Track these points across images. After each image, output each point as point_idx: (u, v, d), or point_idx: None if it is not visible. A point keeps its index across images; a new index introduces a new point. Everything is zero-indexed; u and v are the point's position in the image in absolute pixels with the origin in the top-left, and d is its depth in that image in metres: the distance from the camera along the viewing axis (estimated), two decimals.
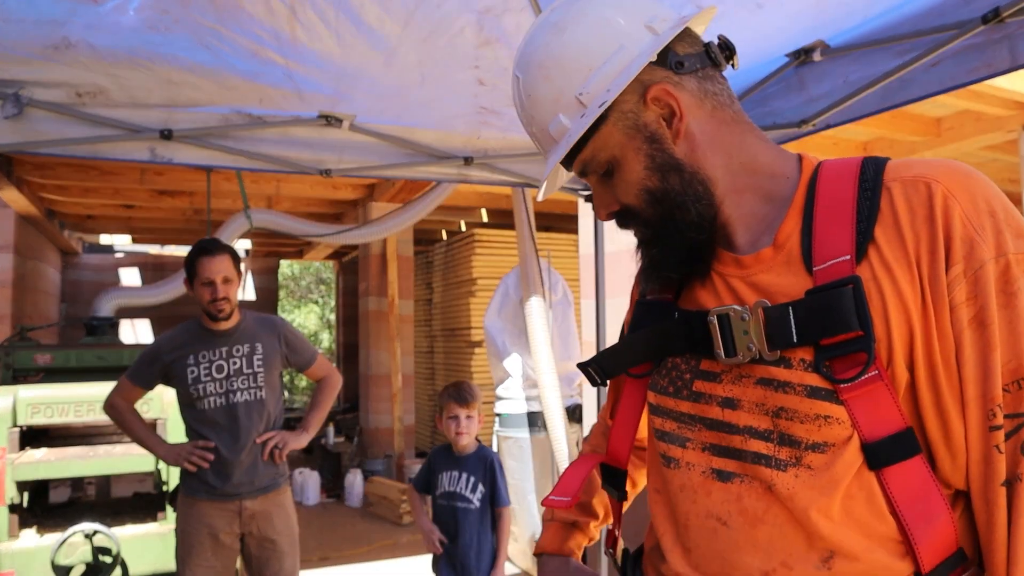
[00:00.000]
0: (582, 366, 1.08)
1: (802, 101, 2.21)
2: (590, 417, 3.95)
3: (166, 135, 2.31)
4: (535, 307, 4.57)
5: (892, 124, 5.36)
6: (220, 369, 2.76)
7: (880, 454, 0.78)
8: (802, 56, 2.09)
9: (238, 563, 2.89)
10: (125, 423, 2.85)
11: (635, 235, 0.98)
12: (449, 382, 3.13)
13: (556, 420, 4.45)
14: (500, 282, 5.26)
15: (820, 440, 0.80)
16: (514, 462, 4.99)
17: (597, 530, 1.27)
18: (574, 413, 4.77)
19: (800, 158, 0.93)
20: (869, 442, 0.78)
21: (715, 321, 0.87)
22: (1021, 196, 5.20)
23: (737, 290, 0.89)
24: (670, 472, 0.94)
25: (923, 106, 5.42)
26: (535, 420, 5.00)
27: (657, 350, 0.98)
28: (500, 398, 5.11)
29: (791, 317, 0.81)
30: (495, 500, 2.87)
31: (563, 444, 4.47)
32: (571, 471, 1.14)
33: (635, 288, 1.14)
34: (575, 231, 8.60)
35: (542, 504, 1.16)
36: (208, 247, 2.75)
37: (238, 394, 2.77)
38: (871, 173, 0.84)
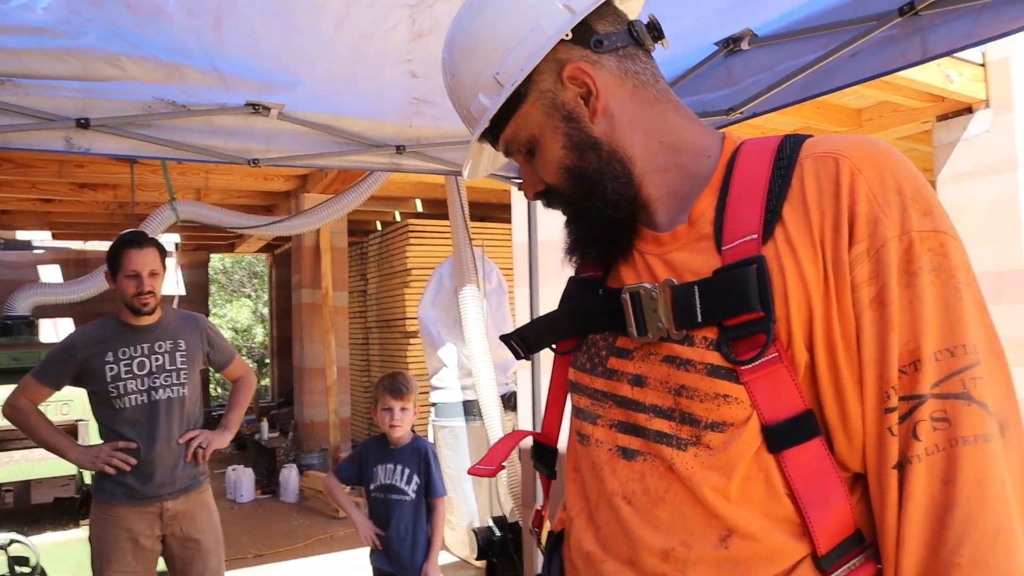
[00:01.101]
0: (505, 338, 1.08)
1: (730, 90, 2.25)
2: (526, 405, 3.97)
3: (83, 124, 2.21)
4: (469, 296, 4.56)
5: (816, 114, 5.52)
6: (142, 366, 2.66)
7: (780, 437, 0.78)
8: (731, 45, 2.13)
9: (160, 565, 2.80)
10: (30, 426, 2.66)
11: (563, 213, 0.99)
12: (384, 373, 3.10)
13: (491, 408, 4.46)
14: (434, 272, 5.24)
15: (719, 419, 0.80)
16: (450, 451, 4.98)
17: None
18: (509, 401, 4.79)
19: (724, 137, 0.93)
20: (769, 424, 0.78)
21: (627, 298, 0.87)
22: (935, 184, 5.43)
23: (653, 268, 0.89)
24: (583, 449, 0.95)
25: (845, 97, 5.60)
26: (471, 409, 5.00)
27: (579, 326, 0.99)
28: (435, 387, 5.09)
29: (696, 296, 0.81)
30: (430, 491, 2.86)
31: (499, 432, 4.49)
32: (499, 444, 1.14)
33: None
34: (510, 220, 8.63)
35: (468, 473, 1.16)
36: (135, 239, 2.65)
37: (160, 392, 2.68)
38: (788, 150, 0.83)
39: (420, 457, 2.88)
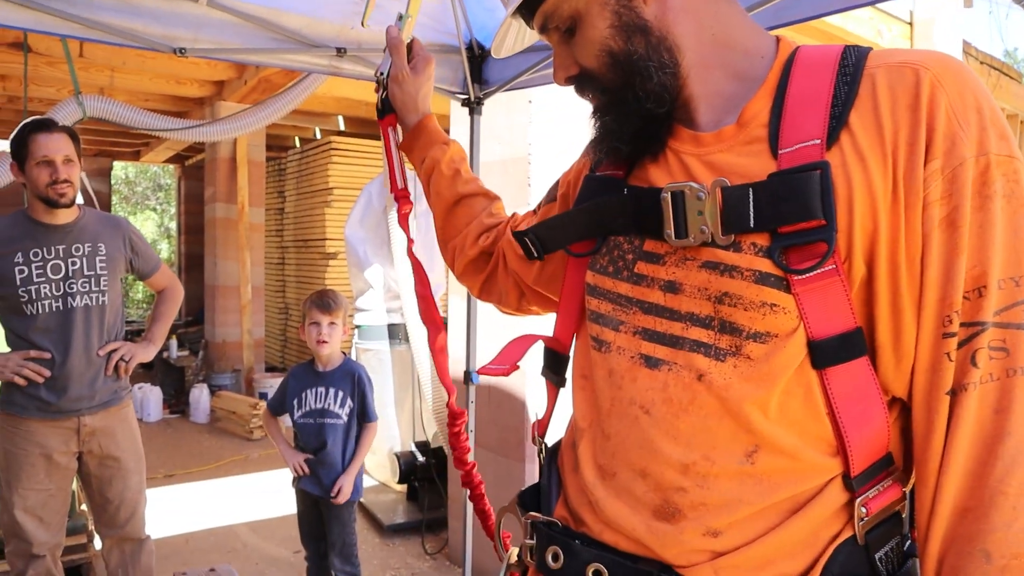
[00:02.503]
0: (518, 235, 1.01)
1: None
2: (455, 330, 3.92)
3: None
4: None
5: None
6: (57, 269, 2.44)
7: (826, 352, 0.75)
8: None
9: (74, 484, 2.64)
10: None
11: (591, 102, 0.92)
12: (303, 295, 3.00)
13: (418, 332, 4.39)
14: (363, 190, 5.04)
15: (763, 330, 0.76)
16: (373, 374, 4.85)
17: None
18: None
19: (778, 39, 0.87)
20: (816, 340, 0.75)
21: (668, 198, 0.81)
22: None
23: (691, 168, 0.83)
24: (600, 356, 0.90)
25: None
26: (395, 332, 4.92)
27: (600, 226, 0.92)
28: (360, 310, 4.97)
29: (751, 199, 0.75)
30: (364, 415, 2.80)
31: (425, 356, 4.43)
32: (514, 345, 1.08)
33: (580, 162, 1.08)
34: None
35: (478, 372, 1.12)
36: (43, 123, 2.39)
37: (77, 298, 2.47)
38: (852, 59, 0.78)
39: (353, 380, 2.80)
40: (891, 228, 0.73)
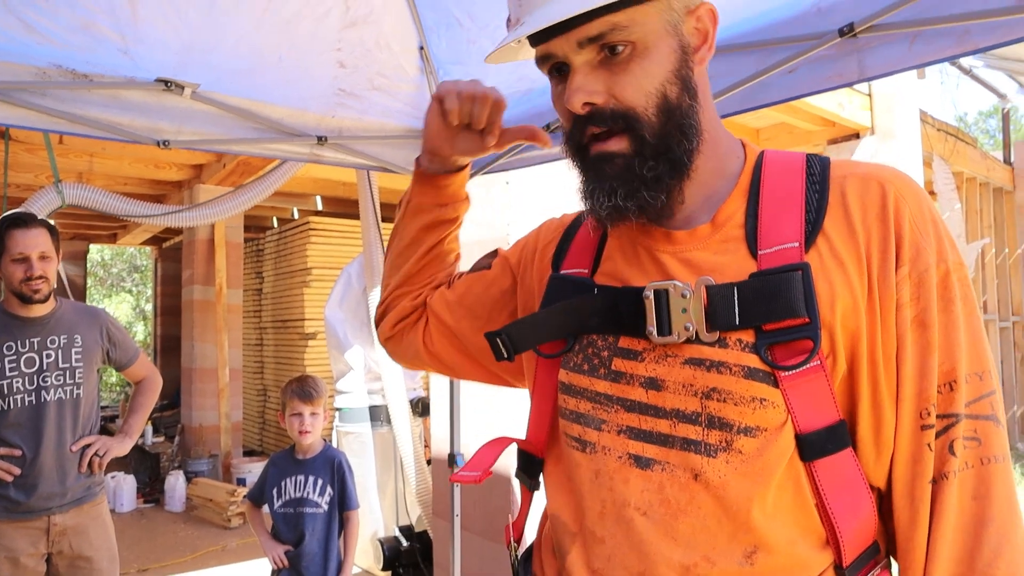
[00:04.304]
0: (490, 336, 0.99)
1: None
2: (439, 411, 3.87)
3: None
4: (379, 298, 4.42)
5: None
6: (30, 362, 2.40)
7: (814, 445, 0.78)
8: None
9: None
10: None
11: (601, 143, 0.83)
12: (281, 377, 2.97)
13: (400, 413, 4.34)
14: (342, 271, 5.04)
15: (753, 424, 0.77)
16: (355, 458, 4.79)
17: None
18: (417, 406, 4.68)
19: (742, 142, 0.91)
20: (804, 433, 0.78)
21: (651, 297, 0.82)
22: None
23: (667, 266, 0.85)
24: (584, 456, 0.89)
25: (746, 116, 5.82)
26: (377, 414, 4.85)
27: (573, 326, 0.92)
28: (340, 392, 4.91)
29: (736, 298, 0.78)
30: (344, 503, 2.74)
31: (407, 438, 4.37)
32: (485, 449, 1.05)
33: (543, 239, 1.07)
34: None
35: (450, 480, 1.09)
36: (21, 218, 2.41)
37: (51, 392, 2.42)
38: (817, 168, 0.85)
39: (333, 467, 2.75)
40: (870, 327, 0.78)
